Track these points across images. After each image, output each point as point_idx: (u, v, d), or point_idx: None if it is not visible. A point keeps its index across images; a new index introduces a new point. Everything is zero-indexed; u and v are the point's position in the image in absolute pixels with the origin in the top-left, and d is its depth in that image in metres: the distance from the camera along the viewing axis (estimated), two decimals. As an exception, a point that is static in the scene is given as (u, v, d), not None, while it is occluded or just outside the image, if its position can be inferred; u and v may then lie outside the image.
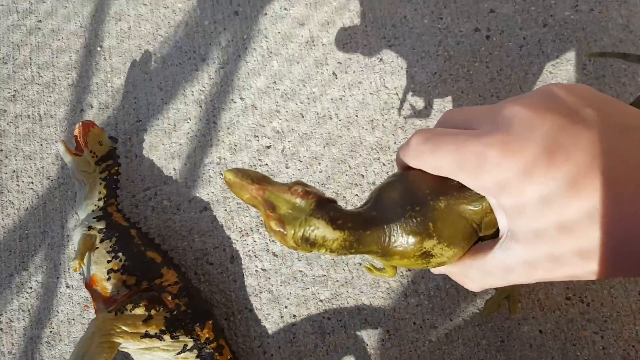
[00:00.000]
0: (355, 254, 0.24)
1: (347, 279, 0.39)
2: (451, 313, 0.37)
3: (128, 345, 0.33)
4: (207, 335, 0.34)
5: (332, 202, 0.23)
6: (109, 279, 0.35)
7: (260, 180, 0.23)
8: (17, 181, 0.42)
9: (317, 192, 0.23)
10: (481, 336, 0.37)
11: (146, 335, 0.33)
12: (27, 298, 0.40)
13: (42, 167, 0.42)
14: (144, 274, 0.36)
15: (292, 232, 0.23)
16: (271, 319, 0.38)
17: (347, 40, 0.43)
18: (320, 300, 0.38)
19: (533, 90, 0.22)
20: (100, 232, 0.36)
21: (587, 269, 0.19)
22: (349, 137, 0.41)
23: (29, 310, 0.40)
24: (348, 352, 0.37)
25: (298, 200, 0.23)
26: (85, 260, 0.36)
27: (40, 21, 0.46)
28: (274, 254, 0.40)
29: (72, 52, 0.45)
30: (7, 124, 0.44)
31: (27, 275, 0.41)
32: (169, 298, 0.35)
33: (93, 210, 0.38)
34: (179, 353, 0.33)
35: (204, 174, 0.41)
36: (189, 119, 0.42)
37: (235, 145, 0.42)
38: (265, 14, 0.44)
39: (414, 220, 0.23)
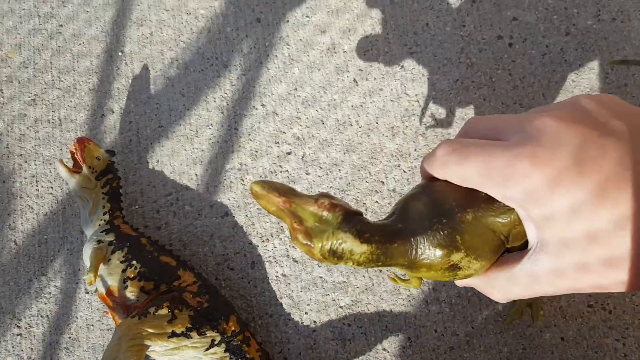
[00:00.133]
0: (382, 266, 0.26)
1: (368, 285, 0.43)
2: (473, 320, 0.41)
3: (156, 347, 0.37)
4: (233, 328, 0.38)
5: (358, 214, 0.25)
6: (126, 287, 0.39)
7: (287, 192, 0.25)
8: (37, 186, 0.47)
9: (343, 204, 0.25)
10: (503, 343, 0.41)
11: (173, 335, 0.37)
12: (46, 303, 0.44)
13: (63, 171, 0.47)
14: (161, 277, 0.39)
15: (320, 245, 0.25)
16: (292, 325, 0.42)
17: (368, 47, 0.47)
18: (341, 307, 0.42)
19: (561, 101, 0.24)
20: (111, 244, 0.40)
21: (615, 278, 0.21)
22: (369, 144, 0.46)
23: (47, 315, 0.44)
24: (369, 359, 0.41)
25: (325, 213, 0.25)
26: (99, 273, 0.40)
27: (61, 25, 0.51)
28: (294, 260, 0.44)
29: (93, 57, 0.49)
30: (27, 128, 0.48)
31: (46, 280, 0.45)
32: (190, 297, 0.39)
33: (100, 225, 0.42)
34: (207, 349, 0.37)
35: (225, 179, 0.46)
36: (211, 125, 0.47)
37: (256, 151, 0.46)
38: (287, 21, 0.48)
39: (441, 232, 0.25)
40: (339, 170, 0.45)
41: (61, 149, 0.47)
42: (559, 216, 0.21)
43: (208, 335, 0.37)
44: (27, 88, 0.49)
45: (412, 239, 0.25)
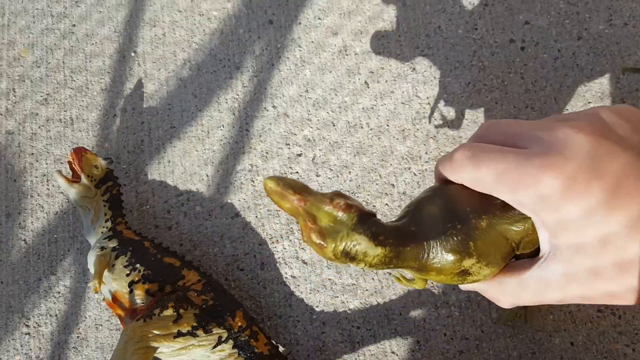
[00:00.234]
0: (393, 268, 0.26)
1: (377, 288, 0.43)
2: (482, 324, 0.41)
3: (163, 348, 0.37)
4: (239, 324, 0.38)
5: (372, 215, 0.25)
6: (131, 291, 0.39)
7: (302, 190, 0.25)
8: (47, 185, 0.48)
9: (358, 205, 0.25)
10: (512, 348, 0.41)
11: (179, 335, 0.37)
12: (54, 303, 0.45)
13: (74, 170, 0.48)
14: (166, 278, 0.40)
15: (333, 245, 0.24)
16: (301, 327, 0.43)
17: (380, 49, 0.48)
18: (350, 309, 0.43)
19: (579, 111, 0.24)
20: (114, 250, 0.41)
21: (626, 284, 0.22)
22: (380, 147, 0.46)
23: (56, 315, 0.45)
24: (378, 361, 0.41)
25: (340, 214, 0.24)
26: (104, 280, 0.40)
27: (74, 25, 0.51)
28: (304, 262, 0.44)
29: (106, 57, 0.50)
30: (39, 127, 0.49)
31: (56, 279, 0.45)
32: (195, 295, 0.39)
33: (102, 232, 0.42)
34: (214, 346, 0.37)
35: (235, 180, 0.46)
36: (222, 126, 0.47)
37: (267, 153, 0.47)
38: (300, 23, 0.49)
39: (454, 238, 0.25)
40: (349, 172, 0.46)
41: (72, 148, 0.48)
42: (573, 222, 0.22)
43: (214, 332, 0.38)
44: (39, 87, 0.50)
45: (425, 243, 0.25)
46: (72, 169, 0.43)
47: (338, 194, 0.25)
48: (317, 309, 0.43)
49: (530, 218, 0.25)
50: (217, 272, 0.44)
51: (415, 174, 0.45)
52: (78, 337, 0.44)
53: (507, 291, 0.26)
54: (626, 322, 0.40)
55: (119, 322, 0.44)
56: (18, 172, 0.48)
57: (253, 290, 0.44)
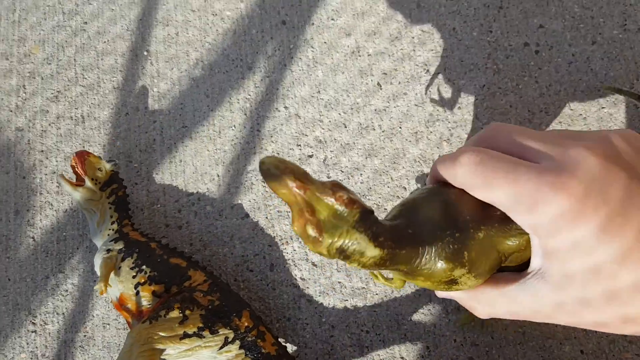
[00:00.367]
0: (381, 269, 0.24)
1: (387, 292, 0.43)
2: (493, 331, 0.41)
3: (170, 350, 0.37)
4: (246, 324, 0.38)
5: (372, 212, 0.24)
6: (137, 293, 0.39)
7: (303, 177, 0.22)
8: (57, 183, 0.48)
9: (360, 200, 0.23)
10: (522, 355, 0.40)
11: (185, 336, 0.37)
12: (62, 301, 0.45)
13: (84, 168, 0.48)
14: (172, 279, 0.40)
15: (330, 241, 0.23)
16: (309, 329, 0.42)
17: (393, 51, 0.48)
18: (359, 313, 0.42)
19: (591, 132, 0.24)
20: (120, 252, 0.41)
21: (615, 313, 0.22)
22: (392, 149, 0.46)
23: (63, 313, 0.45)
24: (388, 366, 0.41)
25: (341, 208, 0.22)
26: (110, 282, 0.40)
27: (85, 23, 0.51)
28: (313, 264, 0.44)
29: (118, 55, 0.50)
30: (49, 124, 0.49)
31: (63, 277, 0.45)
32: (201, 296, 0.39)
33: (109, 235, 0.42)
34: (221, 347, 0.37)
35: (246, 180, 0.46)
36: (234, 126, 0.47)
37: (278, 153, 0.46)
38: (312, 23, 0.49)
39: (451, 246, 0.24)
40: (361, 174, 0.45)
41: (83, 146, 0.48)
42: (571, 247, 0.22)
43: (221, 333, 0.38)
44: (49, 84, 0.50)
45: (420, 248, 0.24)
46: (75, 172, 0.43)
47: (338, 185, 0.23)
48: (326, 312, 0.43)
49: (525, 235, 0.25)
50: (227, 272, 0.44)
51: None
52: (85, 335, 0.44)
53: (486, 301, 0.26)
54: None
55: (126, 322, 0.44)
56: (27, 169, 0.48)
57: (262, 292, 0.44)
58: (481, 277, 0.25)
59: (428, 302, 0.42)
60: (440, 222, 0.25)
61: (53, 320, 0.45)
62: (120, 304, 0.40)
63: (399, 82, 0.47)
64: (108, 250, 0.41)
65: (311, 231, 0.23)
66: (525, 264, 0.26)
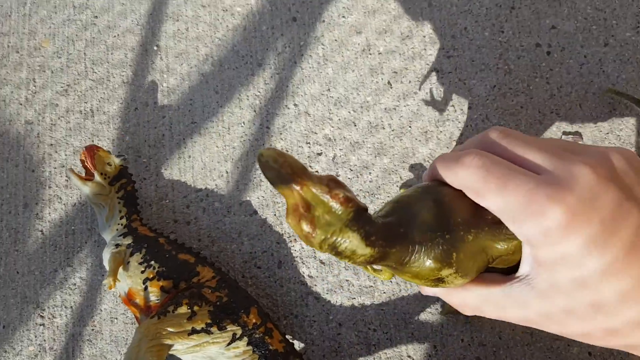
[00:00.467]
0: (371, 265, 0.25)
1: (394, 291, 0.43)
2: (500, 332, 0.41)
3: (178, 346, 0.38)
4: (254, 321, 0.38)
5: (365, 210, 0.24)
6: (145, 288, 0.39)
7: (301, 172, 0.23)
8: (65, 176, 0.48)
9: (355, 198, 0.24)
10: (530, 355, 0.41)
11: (193, 332, 0.37)
12: (70, 294, 0.45)
13: (93, 162, 0.48)
14: (180, 275, 0.40)
15: (322, 237, 0.23)
16: (317, 327, 0.43)
17: (404, 49, 0.48)
18: (367, 311, 0.43)
19: (591, 147, 0.25)
20: (129, 247, 0.41)
21: (600, 325, 0.23)
22: (401, 148, 0.46)
23: (71, 307, 0.45)
24: (395, 365, 0.41)
25: (337, 206, 0.23)
26: (119, 277, 0.40)
27: (96, 17, 0.52)
28: (321, 262, 0.44)
29: (127, 50, 0.50)
30: (59, 117, 0.49)
31: (72, 271, 0.46)
32: (209, 292, 0.39)
33: (117, 230, 0.43)
34: (229, 344, 0.37)
35: (254, 177, 0.46)
36: (243, 122, 0.47)
37: (287, 151, 0.47)
38: (323, 20, 0.49)
39: (440, 247, 0.24)
40: (370, 173, 0.45)
41: (92, 140, 0.48)
42: (563, 262, 0.22)
43: (229, 329, 0.38)
44: (59, 78, 0.50)
45: (410, 247, 0.25)
46: (84, 166, 0.43)
47: (334, 181, 0.23)
48: (334, 310, 0.43)
49: (514, 240, 0.25)
50: (235, 269, 0.44)
51: (435, 177, 0.45)
52: (93, 329, 0.44)
53: (472, 300, 0.27)
54: (649, 334, 0.40)
55: (134, 317, 0.44)
56: (36, 162, 0.48)
57: (270, 289, 0.44)
58: (468, 277, 0.26)
59: (436, 301, 0.42)
60: (432, 223, 0.25)
61: (61, 314, 0.45)
62: (129, 299, 0.40)
63: (410, 81, 0.47)
64: (117, 245, 0.41)
65: (305, 226, 0.23)
66: (513, 267, 0.26)
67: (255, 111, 0.48)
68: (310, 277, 0.44)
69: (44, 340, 0.44)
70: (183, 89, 0.49)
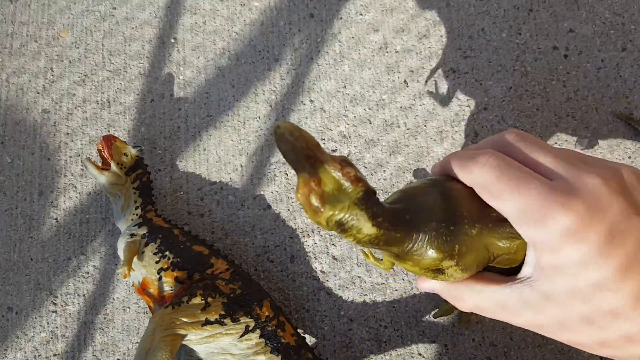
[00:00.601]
0: (375, 248, 0.26)
1: (406, 289, 0.43)
2: (512, 332, 0.41)
3: (191, 336, 0.38)
4: (266, 314, 0.39)
5: (374, 193, 0.25)
6: (160, 278, 0.40)
7: (315, 147, 0.23)
8: (81, 165, 0.48)
9: (366, 180, 0.24)
10: (540, 357, 0.41)
11: (207, 323, 0.38)
12: (83, 282, 0.45)
13: (109, 152, 0.48)
14: (194, 266, 0.40)
15: (330, 213, 0.23)
16: (328, 322, 0.43)
17: (420, 48, 0.48)
18: (378, 308, 0.43)
19: (604, 161, 0.25)
20: (144, 237, 0.41)
21: (591, 336, 0.23)
22: (416, 147, 0.46)
23: (84, 294, 0.45)
24: (404, 362, 0.42)
25: (347, 184, 0.23)
26: (133, 267, 0.41)
27: (114, 8, 0.52)
28: (334, 257, 0.44)
29: (145, 42, 0.51)
30: (75, 107, 0.49)
31: (85, 259, 0.46)
32: (223, 284, 0.39)
33: (132, 220, 0.43)
34: (242, 335, 0.38)
35: (269, 172, 0.46)
36: (258, 117, 0.48)
37: (302, 146, 0.47)
38: (340, 17, 0.49)
39: (443, 238, 0.25)
40: (384, 171, 0.46)
41: (108, 130, 0.48)
42: (563, 270, 0.23)
43: (242, 321, 0.38)
44: (76, 67, 0.51)
45: (414, 234, 0.25)
46: (101, 156, 0.44)
47: (347, 162, 0.24)
48: (345, 306, 0.43)
49: (517, 240, 0.26)
50: (247, 262, 0.45)
51: (449, 177, 0.45)
52: (105, 318, 0.44)
53: (469, 297, 0.27)
54: (661, 339, 0.40)
55: (147, 306, 0.44)
56: (52, 151, 0.49)
57: (282, 283, 0.44)
58: (467, 271, 0.26)
59: (443, 300, 0.42)
60: (437, 213, 0.26)
61: (74, 302, 0.45)
62: (143, 289, 0.40)
63: (426, 80, 0.47)
64: (132, 235, 0.41)
65: (314, 201, 0.23)
66: (512, 269, 0.27)
67: (271, 106, 0.48)
68: (323, 272, 0.44)
69: (56, 327, 0.45)
70: (199, 82, 0.49)
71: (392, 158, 0.46)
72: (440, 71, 0.47)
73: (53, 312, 0.45)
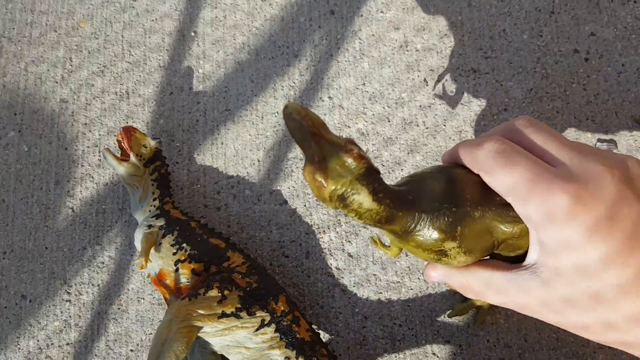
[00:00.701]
0: (377, 226, 0.27)
1: (422, 288, 0.43)
2: (527, 334, 0.41)
3: (207, 328, 0.38)
4: (282, 308, 0.39)
5: (378, 172, 0.26)
6: (177, 270, 0.40)
7: (321, 126, 0.25)
8: (98, 155, 0.48)
9: (369, 159, 0.26)
10: (557, 361, 0.41)
11: (223, 315, 0.38)
12: (97, 272, 0.45)
13: (127, 144, 0.48)
14: (211, 259, 0.40)
15: (333, 187, 0.25)
16: (342, 319, 0.43)
17: (441, 47, 0.48)
18: (393, 306, 0.43)
19: (609, 152, 0.26)
20: (161, 229, 0.41)
21: (598, 316, 0.23)
22: (435, 146, 0.46)
23: (98, 284, 0.45)
24: (418, 361, 0.41)
25: (349, 160, 0.25)
26: (150, 258, 0.41)
27: (134, 0, 0.52)
28: (349, 255, 0.44)
29: (165, 34, 0.51)
30: (94, 97, 0.50)
31: (100, 249, 0.46)
32: (239, 277, 0.39)
33: (150, 211, 0.43)
34: (257, 329, 0.38)
35: (286, 167, 0.46)
36: (277, 112, 0.48)
37: (320, 142, 0.47)
38: (361, 15, 0.49)
39: (445, 218, 0.26)
40: (402, 169, 0.46)
41: (126, 122, 0.49)
42: (566, 246, 0.23)
43: (258, 315, 0.38)
44: (95, 58, 0.51)
45: (416, 214, 0.26)
46: (121, 147, 0.44)
47: (352, 142, 0.25)
48: (360, 303, 0.43)
49: (520, 224, 0.26)
50: (262, 256, 0.45)
51: (466, 177, 0.45)
52: (119, 308, 0.44)
53: (475, 283, 0.28)
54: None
55: (162, 297, 0.44)
56: (70, 140, 0.49)
57: (297, 278, 0.44)
58: (471, 255, 0.27)
59: (464, 301, 0.42)
60: (441, 195, 0.26)
61: (88, 291, 0.45)
62: (159, 280, 0.40)
63: (446, 80, 0.47)
64: (149, 226, 0.41)
65: (318, 176, 0.24)
66: (518, 257, 0.28)
67: (289, 102, 0.48)
68: (338, 269, 0.44)
69: (70, 317, 0.45)
70: (218, 76, 0.49)
71: (410, 157, 0.46)
72: (460, 71, 0.47)
73: (67, 301, 0.45)
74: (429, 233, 0.26)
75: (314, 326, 0.43)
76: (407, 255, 0.43)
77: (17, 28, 0.52)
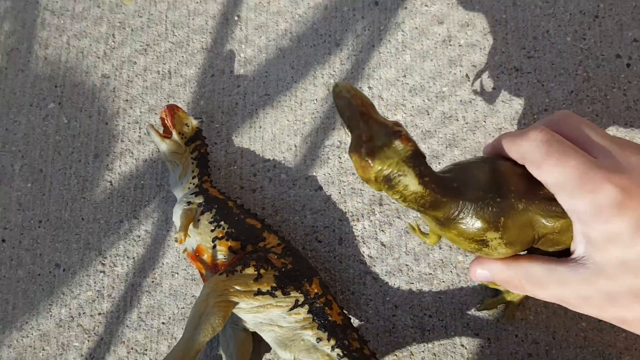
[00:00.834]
0: (421, 212, 0.27)
1: (454, 281, 0.43)
2: (555, 332, 0.42)
3: (242, 304, 0.39)
4: (315, 291, 0.39)
5: (424, 156, 0.26)
6: (214, 246, 0.41)
7: (369, 106, 0.25)
8: (139, 132, 0.49)
9: (415, 143, 0.26)
10: (581, 359, 0.41)
11: (259, 293, 0.38)
12: (133, 245, 0.46)
13: (167, 122, 0.49)
14: (248, 238, 0.41)
15: (379, 167, 0.25)
16: (372, 306, 0.43)
17: (484, 44, 0.48)
18: (424, 297, 0.43)
19: None
20: (200, 206, 0.42)
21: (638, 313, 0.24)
22: (474, 142, 0.46)
23: (134, 257, 0.46)
24: (446, 352, 0.42)
25: (397, 142, 0.25)
26: (189, 233, 0.42)
27: (180, -18, 0.52)
28: (382, 244, 0.45)
29: (208, 17, 0.51)
30: (136, 75, 0.50)
31: (137, 223, 0.47)
32: (275, 258, 0.40)
33: (189, 188, 0.44)
34: (291, 309, 0.39)
35: (322, 154, 0.47)
36: (315, 100, 0.48)
37: (358, 132, 0.47)
38: (405, 7, 0.49)
39: (490, 208, 0.26)
40: (439, 163, 0.46)
41: (168, 100, 0.49)
42: (613, 241, 0.23)
43: (292, 295, 0.39)
44: (139, 36, 0.51)
45: (461, 201, 0.26)
46: (164, 124, 0.45)
47: (399, 124, 0.26)
48: (391, 292, 0.44)
49: (562, 219, 0.26)
50: (296, 240, 0.45)
51: (500, 174, 0.46)
52: (153, 281, 0.45)
53: (516, 275, 0.28)
54: None
55: (196, 273, 0.45)
56: (110, 116, 0.49)
57: (329, 263, 0.45)
58: (511, 247, 0.27)
59: (494, 296, 0.43)
60: (485, 185, 0.27)
61: (122, 263, 0.46)
62: (196, 255, 0.41)
63: (488, 76, 0.47)
64: (189, 203, 0.42)
65: (365, 154, 0.25)
66: (556, 253, 0.28)
67: (328, 90, 0.48)
68: (370, 257, 0.45)
69: (103, 287, 0.46)
70: (259, 61, 0.50)
71: (448, 151, 0.46)
72: (503, 69, 0.48)
73: (101, 272, 0.46)
74: (472, 222, 0.26)
75: (344, 311, 0.44)
76: (440, 248, 0.44)
77: (60, 2, 0.53)
